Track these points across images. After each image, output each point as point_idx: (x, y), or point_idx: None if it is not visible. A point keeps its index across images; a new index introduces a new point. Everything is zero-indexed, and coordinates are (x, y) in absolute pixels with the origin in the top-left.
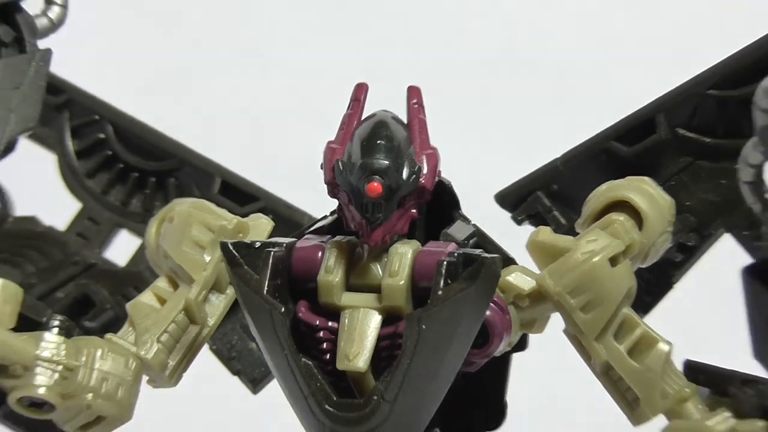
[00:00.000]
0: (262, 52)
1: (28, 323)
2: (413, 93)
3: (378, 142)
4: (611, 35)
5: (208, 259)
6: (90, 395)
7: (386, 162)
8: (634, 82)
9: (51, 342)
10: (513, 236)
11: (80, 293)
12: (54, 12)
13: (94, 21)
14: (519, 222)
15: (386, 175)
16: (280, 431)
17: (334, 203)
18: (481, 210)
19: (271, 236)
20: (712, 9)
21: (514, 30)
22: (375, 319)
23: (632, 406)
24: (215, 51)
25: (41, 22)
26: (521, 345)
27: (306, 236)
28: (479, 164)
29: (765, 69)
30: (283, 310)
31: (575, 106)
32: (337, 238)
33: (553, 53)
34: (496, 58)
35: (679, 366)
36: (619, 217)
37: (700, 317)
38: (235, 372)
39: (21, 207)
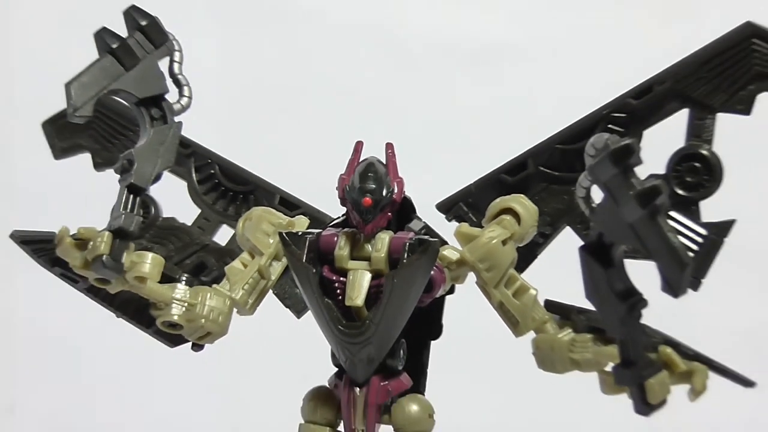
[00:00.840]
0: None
1: (168, 279)
2: (389, 146)
3: (369, 174)
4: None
5: (271, 241)
6: (203, 320)
7: (374, 186)
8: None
9: (180, 289)
10: (446, 229)
11: (199, 261)
12: (184, 100)
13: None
14: (449, 220)
15: (374, 194)
16: (313, 343)
17: (343, 209)
18: (428, 213)
19: (308, 229)
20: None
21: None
22: (367, 276)
23: (515, 326)
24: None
25: (176, 107)
26: (451, 291)
27: (327, 228)
28: (427, 186)
29: (590, 132)
30: (314, 271)
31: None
32: (346, 229)
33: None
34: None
35: (541, 302)
36: (507, 217)
37: (558, 276)
38: (287, 305)
39: (166, 211)
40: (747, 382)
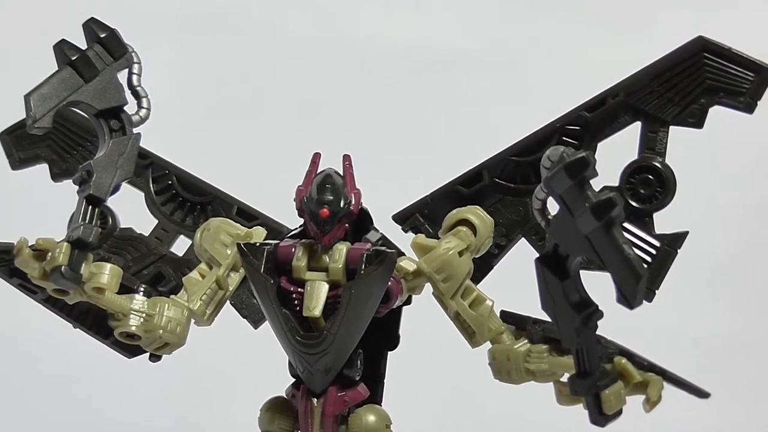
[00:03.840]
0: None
1: (126, 289)
2: (346, 158)
3: (327, 185)
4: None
5: (229, 252)
6: (161, 331)
7: (331, 197)
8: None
9: (138, 300)
10: (403, 240)
11: (157, 271)
12: (142, 112)
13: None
14: (405, 231)
15: (331, 205)
16: (270, 353)
17: (300, 220)
18: (385, 225)
19: (265, 240)
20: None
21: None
22: (325, 287)
23: (471, 336)
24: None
25: (135, 118)
26: (407, 302)
27: (285, 239)
28: (384, 197)
29: (544, 145)
30: (272, 281)
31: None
32: (303, 240)
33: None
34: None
35: (497, 313)
36: (463, 228)
37: (514, 287)
38: (244, 316)
39: (123, 221)
40: (702, 393)
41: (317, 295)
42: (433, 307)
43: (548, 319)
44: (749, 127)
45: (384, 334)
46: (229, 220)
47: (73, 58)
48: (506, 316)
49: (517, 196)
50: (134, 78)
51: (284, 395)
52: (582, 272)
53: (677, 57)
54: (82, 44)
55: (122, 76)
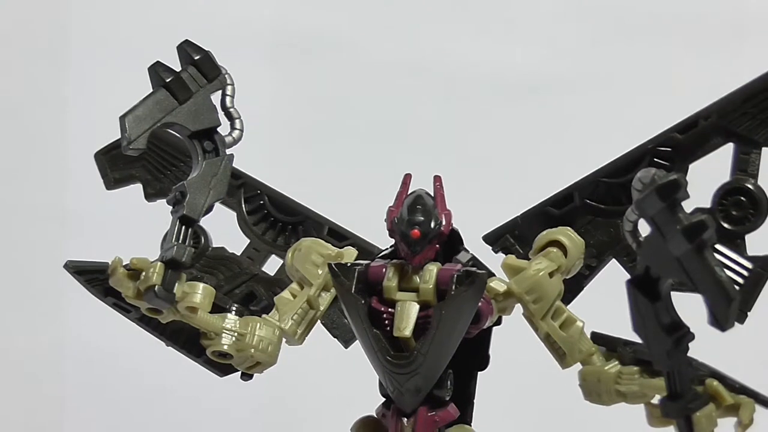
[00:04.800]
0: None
1: (218, 309)
2: (437, 179)
3: (417, 206)
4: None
5: (321, 272)
6: (253, 350)
7: (422, 218)
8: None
9: (231, 319)
10: (493, 260)
11: (248, 291)
12: (235, 133)
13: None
14: (496, 252)
15: (422, 226)
16: (361, 373)
17: (391, 241)
18: (475, 245)
19: (356, 260)
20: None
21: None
22: (415, 308)
23: (561, 357)
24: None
25: (228, 139)
26: (498, 322)
27: (376, 260)
28: (474, 218)
29: (635, 166)
30: (363, 302)
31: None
32: (394, 260)
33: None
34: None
35: (588, 334)
36: (553, 249)
37: (605, 309)
38: (334, 335)
39: (216, 241)
40: None
41: (408, 315)
42: (523, 328)
43: (639, 340)
44: None
45: (474, 354)
46: (320, 240)
47: (168, 80)
48: (597, 337)
49: (608, 217)
50: (227, 99)
51: (375, 414)
52: (673, 294)
53: None
54: (177, 66)
55: (216, 98)
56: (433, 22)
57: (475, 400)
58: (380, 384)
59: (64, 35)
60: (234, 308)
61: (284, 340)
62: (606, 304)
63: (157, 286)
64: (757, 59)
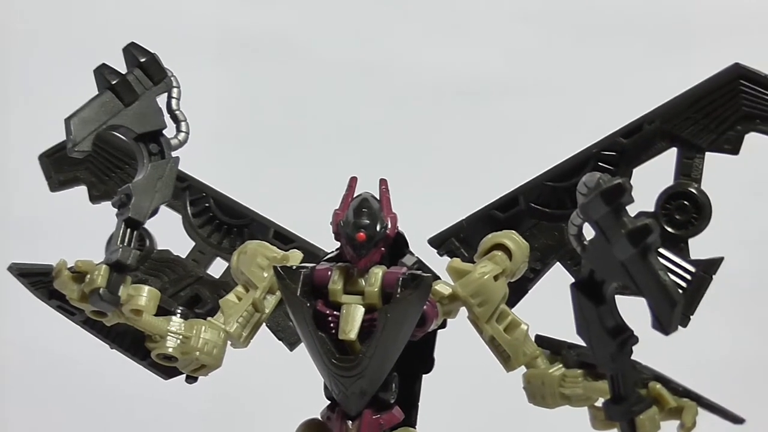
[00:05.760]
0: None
1: (163, 311)
2: (383, 182)
3: (363, 209)
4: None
5: (266, 275)
6: (198, 353)
7: (368, 221)
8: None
9: (176, 322)
10: (438, 263)
11: (194, 293)
12: (181, 136)
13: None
14: (441, 255)
15: (368, 229)
16: (306, 376)
17: (337, 244)
18: (420, 248)
19: (302, 263)
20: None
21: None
22: (360, 310)
23: (506, 360)
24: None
25: (173, 142)
26: (443, 325)
27: (321, 263)
28: (420, 221)
29: (580, 170)
30: (308, 305)
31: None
32: (340, 264)
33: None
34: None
35: (532, 337)
36: (498, 253)
37: (549, 312)
38: (279, 338)
39: (161, 243)
40: (736, 419)
41: (353, 318)
42: (467, 331)
43: (583, 343)
44: None
45: (419, 357)
46: (265, 243)
47: (114, 82)
48: (541, 340)
49: (553, 221)
50: (173, 102)
51: (319, 417)
52: (617, 297)
53: (714, 84)
54: (123, 68)
55: (162, 101)
56: (384, 24)
57: (419, 403)
58: (325, 387)
59: (6, 35)
60: (179, 311)
61: (229, 343)
62: (550, 308)
63: (101, 289)
64: (706, 64)
